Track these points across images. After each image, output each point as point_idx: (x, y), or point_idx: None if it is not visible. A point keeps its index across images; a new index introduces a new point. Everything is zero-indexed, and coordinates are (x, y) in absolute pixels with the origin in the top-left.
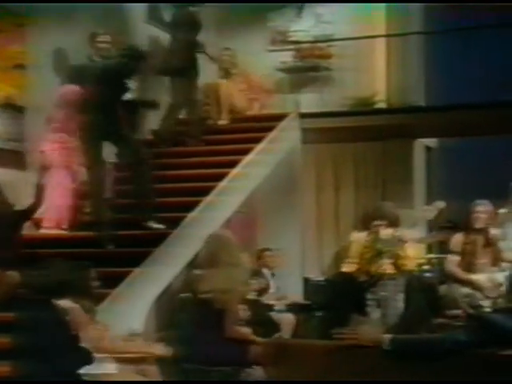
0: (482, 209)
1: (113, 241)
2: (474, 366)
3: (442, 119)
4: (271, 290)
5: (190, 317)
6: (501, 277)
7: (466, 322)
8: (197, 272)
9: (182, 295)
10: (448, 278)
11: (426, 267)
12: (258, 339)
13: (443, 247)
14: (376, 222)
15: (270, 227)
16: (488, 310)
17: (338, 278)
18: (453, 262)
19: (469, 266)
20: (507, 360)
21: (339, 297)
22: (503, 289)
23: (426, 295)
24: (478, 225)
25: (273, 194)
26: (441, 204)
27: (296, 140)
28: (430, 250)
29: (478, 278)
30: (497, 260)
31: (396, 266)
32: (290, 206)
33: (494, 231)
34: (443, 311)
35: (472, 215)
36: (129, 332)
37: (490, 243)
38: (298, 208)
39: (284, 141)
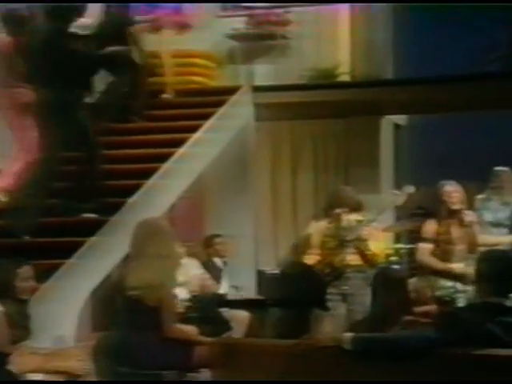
0: (453, 189)
1: (30, 231)
2: (444, 366)
3: (412, 94)
4: (223, 283)
5: (124, 316)
6: None
7: (435, 319)
8: (126, 265)
9: (114, 291)
10: (421, 269)
11: (394, 259)
12: (205, 339)
13: (413, 237)
14: (337, 210)
15: (219, 214)
16: (461, 304)
17: (296, 269)
18: (425, 250)
19: (444, 255)
20: (479, 360)
21: (298, 291)
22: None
23: (395, 290)
24: (452, 206)
25: (223, 176)
26: (409, 189)
27: (249, 116)
28: (398, 239)
29: (456, 266)
30: (473, 245)
31: (361, 257)
32: (242, 190)
33: (468, 214)
34: (413, 307)
35: (442, 198)
36: (54, 341)
37: (464, 227)
38: (251, 193)
39: (235, 117)
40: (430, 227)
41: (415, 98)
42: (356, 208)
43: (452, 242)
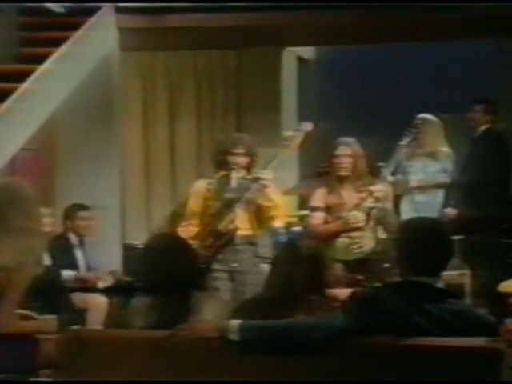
0: (344, 152)
1: None
2: (355, 360)
3: (319, 20)
4: (80, 265)
5: None
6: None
7: (346, 302)
8: None
9: None
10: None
11: (296, 227)
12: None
13: None
14: (230, 160)
15: (74, 171)
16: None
17: (167, 241)
18: (318, 220)
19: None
20: (397, 351)
21: (170, 269)
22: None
23: (298, 265)
24: (341, 172)
25: (78, 122)
26: (308, 126)
27: (112, 44)
28: (302, 204)
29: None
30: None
31: (255, 224)
32: (104, 141)
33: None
34: (322, 287)
35: (332, 161)
36: None
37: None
38: (116, 145)
39: (94, 44)
40: (320, 195)
41: (324, 26)
42: (253, 158)
43: (345, 208)
